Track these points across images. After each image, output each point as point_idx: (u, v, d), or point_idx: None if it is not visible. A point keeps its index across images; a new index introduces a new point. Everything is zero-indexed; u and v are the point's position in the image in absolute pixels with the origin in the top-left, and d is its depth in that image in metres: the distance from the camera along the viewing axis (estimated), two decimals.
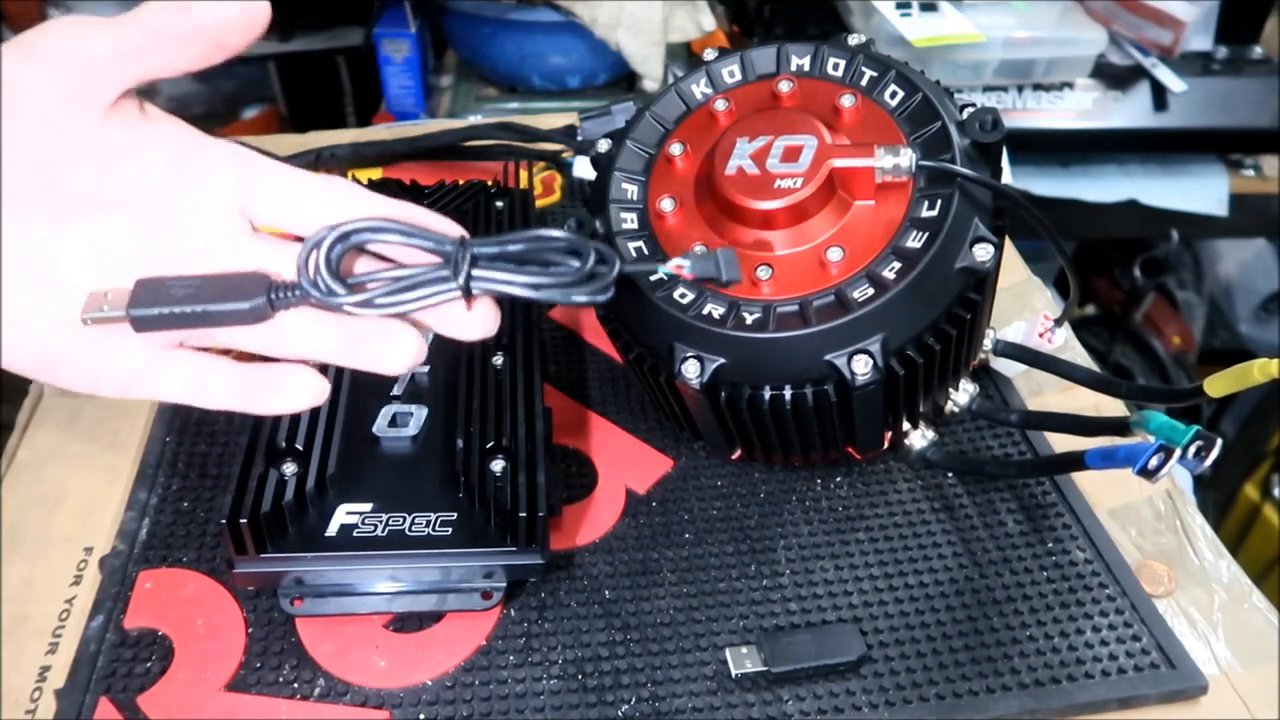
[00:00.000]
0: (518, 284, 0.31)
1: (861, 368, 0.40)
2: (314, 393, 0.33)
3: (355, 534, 0.41)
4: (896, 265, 0.41)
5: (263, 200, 0.33)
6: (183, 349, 0.33)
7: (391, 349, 0.32)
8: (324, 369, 0.34)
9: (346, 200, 0.33)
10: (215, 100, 1.29)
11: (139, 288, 0.31)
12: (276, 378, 0.33)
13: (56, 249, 0.31)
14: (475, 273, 0.31)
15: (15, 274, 0.31)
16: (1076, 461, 0.43)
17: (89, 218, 0.32)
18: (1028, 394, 0.58)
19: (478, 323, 0.33)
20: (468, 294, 0.31)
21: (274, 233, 0.34)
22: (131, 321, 0.31)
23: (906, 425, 0.48)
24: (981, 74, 1.12)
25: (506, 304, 0.50)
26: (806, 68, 0.47)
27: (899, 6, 1.09)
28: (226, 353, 0.33)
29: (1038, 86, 1.14)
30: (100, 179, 0.31)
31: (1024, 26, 1.11)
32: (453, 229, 0.33)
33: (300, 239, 0.32)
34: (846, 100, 0.44)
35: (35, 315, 0.31)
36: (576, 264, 0.31)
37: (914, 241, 0.41)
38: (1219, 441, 0.38)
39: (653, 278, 0.33)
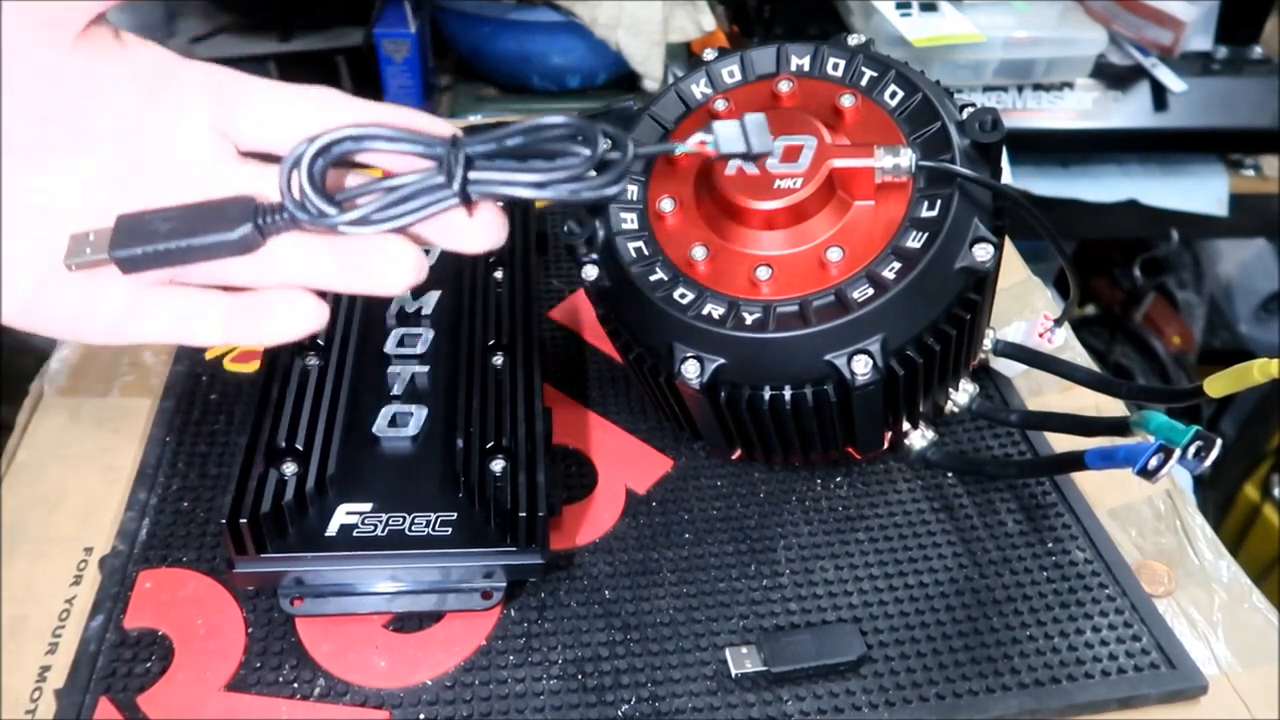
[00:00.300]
0: (520, 183, 0.28)
1: (861, 368, 0.40)
2: (311, 316, 0.31)
3: (355, 534, 0.41)
4: (896, 265, 0.41)
5: (246, 121, 0.31)
6: (171, 285, 0.31)
7: (391, 267, 0.30)
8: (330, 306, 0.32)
9: (332, 110, 0.31)
10: None
11: (120, 225, 0.29)
12: (269, 304, 0.31)
13: (35, 189, 0.30)
14: (472, 175, 0.28)
15: None
16: (1076, 461, 0.43)
17: (66, 153, 0.30)
18: (1028, 394, 0.58)
19: (482, 231, 0.30)
20: (466, 200, 0.29)
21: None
22: (117, 263, 0.29)
23: (906, 425, 0.48)
24: (981, 74, 1.12)
25: (506, 301, 0.51)
26: (806, 68, 0.47)
27: (899, 6, 1.09)
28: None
29: (1038, 86, 1.14)
30: (75, 111, 0.30)
31: (1024, 26, 1.11)
32: (443, 128, 0.30)
33: None
34: (846, 100, 0.44)
35: (15, 261, 0.30)
36: (586, 152, 0.28)
37: (914, 241, 0.41)
38: (1219, 442, 0.38)
39: (680, 150, 0.31)
